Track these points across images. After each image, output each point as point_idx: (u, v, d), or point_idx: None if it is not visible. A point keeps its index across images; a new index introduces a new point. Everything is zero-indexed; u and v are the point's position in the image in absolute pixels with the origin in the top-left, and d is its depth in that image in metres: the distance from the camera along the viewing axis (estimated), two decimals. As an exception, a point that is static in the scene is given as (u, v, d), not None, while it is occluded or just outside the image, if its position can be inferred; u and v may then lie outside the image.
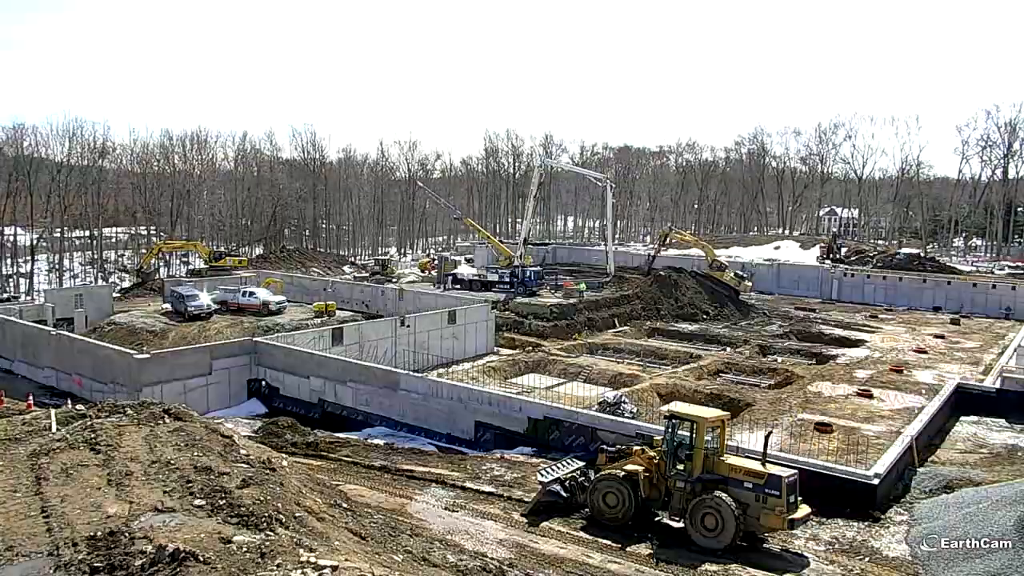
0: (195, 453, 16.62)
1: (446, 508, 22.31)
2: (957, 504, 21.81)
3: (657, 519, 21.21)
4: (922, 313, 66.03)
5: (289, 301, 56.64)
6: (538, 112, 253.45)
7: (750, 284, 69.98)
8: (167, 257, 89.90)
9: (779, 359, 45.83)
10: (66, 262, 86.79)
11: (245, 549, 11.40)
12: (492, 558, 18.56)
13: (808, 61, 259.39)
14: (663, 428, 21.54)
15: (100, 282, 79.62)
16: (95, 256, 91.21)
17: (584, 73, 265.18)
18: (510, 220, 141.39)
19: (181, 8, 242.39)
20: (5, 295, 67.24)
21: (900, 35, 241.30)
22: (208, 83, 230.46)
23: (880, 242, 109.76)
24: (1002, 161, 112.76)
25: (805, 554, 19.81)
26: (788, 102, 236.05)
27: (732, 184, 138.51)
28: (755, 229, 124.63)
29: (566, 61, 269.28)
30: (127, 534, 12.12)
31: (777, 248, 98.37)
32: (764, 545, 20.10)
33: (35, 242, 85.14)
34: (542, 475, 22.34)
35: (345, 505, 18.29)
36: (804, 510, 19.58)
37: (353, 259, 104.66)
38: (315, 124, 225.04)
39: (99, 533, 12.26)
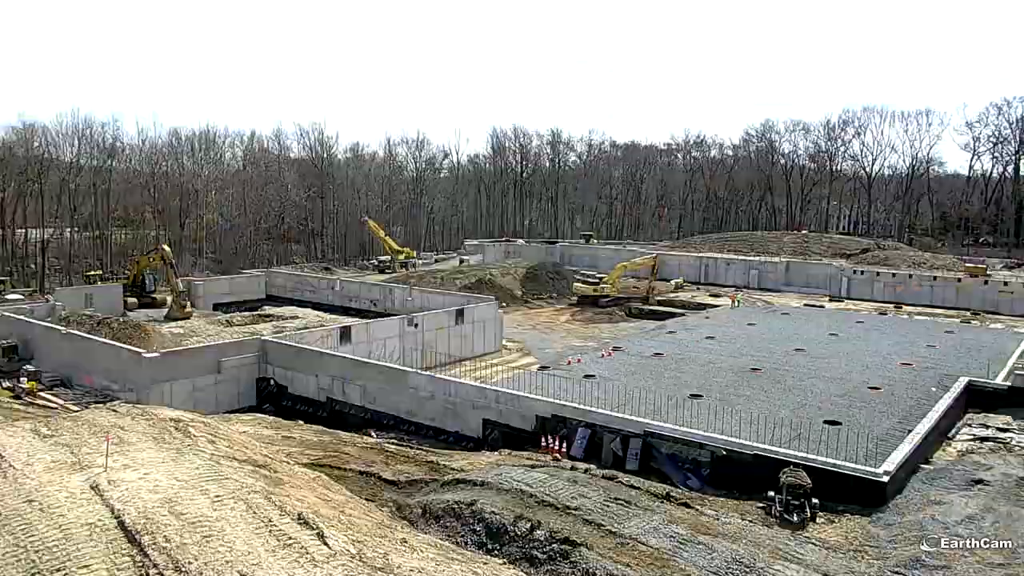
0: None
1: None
2: (966, 503, 21.63)
3: None
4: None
5: (295, 300, 57.04)
6: (545, 109, 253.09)
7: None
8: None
9: None
10: (75, 262, 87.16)
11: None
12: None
13: (816, 57, 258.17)
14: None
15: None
16: (103, 257, 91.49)
17: (590, 70, 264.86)
18: (518, 219, 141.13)
19: (189, 6, 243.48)
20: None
21: (909, 30, 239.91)
22: (216, 82, 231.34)
23: (889, 240, 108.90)
24: (1013, 157, 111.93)
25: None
26: (796, 99, 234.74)
27: (740, 181, 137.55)
28: (764, 227, 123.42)
29: (573, 58, 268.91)
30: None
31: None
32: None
33: (45, 242, 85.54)
34: None
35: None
36: None
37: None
38: (322, 123, 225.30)
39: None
